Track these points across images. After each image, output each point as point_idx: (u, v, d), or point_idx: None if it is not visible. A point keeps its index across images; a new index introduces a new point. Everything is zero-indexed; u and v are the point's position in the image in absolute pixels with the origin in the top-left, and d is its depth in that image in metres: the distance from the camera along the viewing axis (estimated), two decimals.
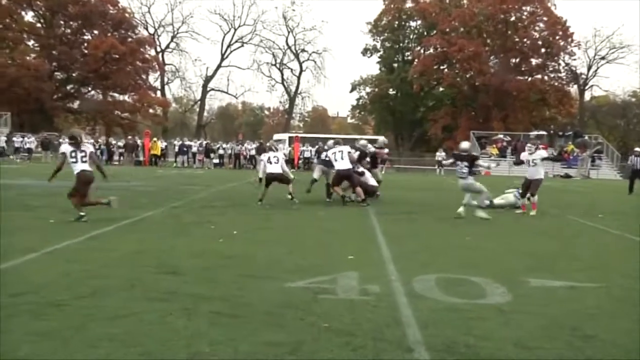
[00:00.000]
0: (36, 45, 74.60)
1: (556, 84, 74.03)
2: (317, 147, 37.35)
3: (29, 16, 74.43)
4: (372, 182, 19.95)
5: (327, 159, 18.69)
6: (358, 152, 19.16)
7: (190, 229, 12.30)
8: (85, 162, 12.78)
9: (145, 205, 16.67)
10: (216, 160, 49.23)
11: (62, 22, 74.64)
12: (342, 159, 17.96)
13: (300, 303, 6.63)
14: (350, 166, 17.97)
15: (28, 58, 71.50)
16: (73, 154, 12.75)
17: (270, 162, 17.53)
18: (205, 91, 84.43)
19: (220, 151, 50.28)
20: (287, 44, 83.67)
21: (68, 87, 77.33)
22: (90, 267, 8.30)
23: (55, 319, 5.91)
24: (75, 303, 6.46)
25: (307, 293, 7.08)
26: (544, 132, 56.14)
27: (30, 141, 51.50)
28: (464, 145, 16.13)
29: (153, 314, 6.12)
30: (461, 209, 15.46)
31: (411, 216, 16.03)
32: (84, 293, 6.87)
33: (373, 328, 5.80)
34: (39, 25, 74.69)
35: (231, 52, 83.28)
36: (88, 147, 13.24)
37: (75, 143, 12.90)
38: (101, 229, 11.84)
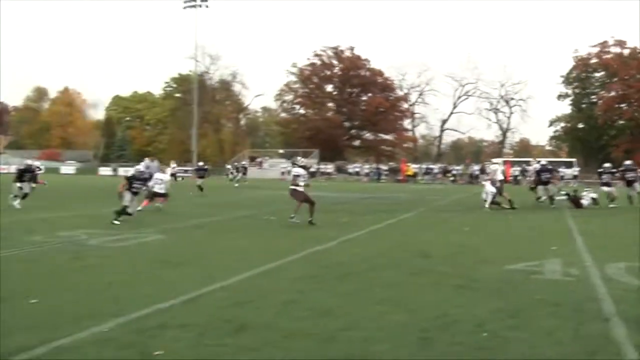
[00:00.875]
0: (333, 105, 78.69)
1: None
2: (521, 167, 34.94)
3: (329, 87, 79.03)
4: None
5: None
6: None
7: (434, 226, 12.16)
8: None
9: (402, 209, 16.79)
10: (452, 178, 48.12)
11: (348, 90, 77.96)
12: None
13: (517, 281, 6.31)
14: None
15: (328, 114, 75.67)
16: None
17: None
18: (442, 130, 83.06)
19: (454, 172, 49.05)
20: (500, 95, 79.81)
21: (352, 131, 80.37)
22: (371, 251, 8.55)
23: (353, 283, 6.17)
24: (365, 274, 6.67)
25: (521, 274, 6.72)
26: None
27: (330, 167, 54.17)
28: None
29: (413, 284, 6.17)
30: None
31: (601, 217, 14.47)
32: (369, 268, 7.09)
33: (574, 301, 5.37)
34: (335, 92, 78.87)
35: (460, 102, 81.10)
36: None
37: (305, 168, 12.53)
38: (375, 226, 12.13)
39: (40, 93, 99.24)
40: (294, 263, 7.45)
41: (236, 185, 32.73)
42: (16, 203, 14.81)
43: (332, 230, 11.18)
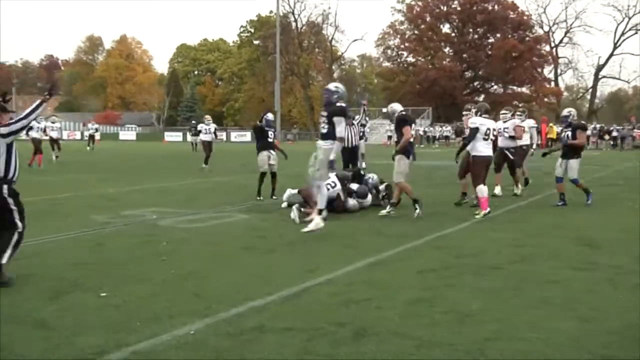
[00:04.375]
0: (450, 51, 77.00)
1: None
2: None
3: (445, 28, 77.27)
4: None
5: None
6: None
7: (596, 205, 11.47)
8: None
9: (548, 183, 16.07)
10: (611, 142, 45.68)
11: (470, 30, 75.90)
12: None
13: None
14: None
15: (444, 62, 74.13)
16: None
17: None
18: (596, 79, 78.99)
19: (614, 133, 46.49)
20: None
21: (475, 84, 78.50)
22: (514, 236, 8.21)
23: (498, 279, 5.91)
24: (509, 267, 6.40)
25: None
26: None
27: (447, 129, 53.18)
28: None
29: (579, 282, 5.81)
30: None
31: None
32: (515, 259, 6.80)
33: None
34: (452, 34, 77.05)
35: (624, 40, 76.45)
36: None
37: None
38: (513, 204, 11.67)
39: (94, 43, 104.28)
40: (415, 251, 7.29)
41: None
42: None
43: (456, 210, 10.87)
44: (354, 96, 67.85)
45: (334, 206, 10.05)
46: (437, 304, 5.03)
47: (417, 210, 9.73)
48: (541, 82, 75.57)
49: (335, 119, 8.12)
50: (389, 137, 46.29)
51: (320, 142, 8.27)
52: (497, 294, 5.34)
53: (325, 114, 8.29)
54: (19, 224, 5.75)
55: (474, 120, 10.39)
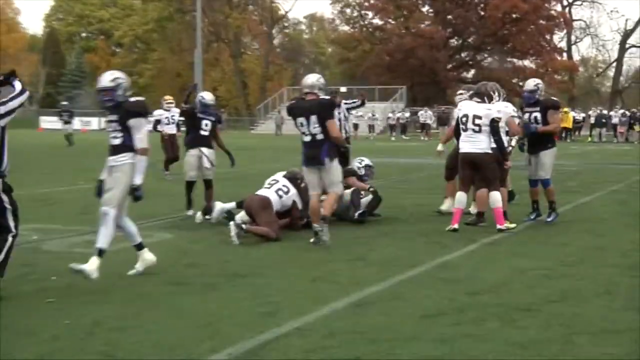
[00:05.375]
0: (431, 11, 77.81)
1: None
2: None
3: None
4: None
5: None
6: None
7: None
8: None
9: (576, 189, 16.18)
10: None
11: None
12: None
13: None
14: None
15: (422, 26, 74.77)
16: None
17: None
18: (622, 49, 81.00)
19: None
20: None
21: (463, 55, 79.51)
22: (546, 264, 8.11)
23: (530, 327, 5.73)
24: (546, 308, 6.25)
25: None
26: None
27: (428, 115, 53.59)
28: None
29: None
30: None
31: None
32: (552, 296, 6.67)
33: None
34: None
35: None
36: None
37: None
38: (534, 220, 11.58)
39: None
40: (412, 285, 7.13)
41: None
42: None
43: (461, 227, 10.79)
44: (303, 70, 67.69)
45: (292, 220, 9.86)
46: None
47: (315, 238, 9.27)
48: (550, 52, 76.91)
49: (131, 122, 7.34)
50: (355, 127, 45.71)
51: (112, 159, 7.42)
52: (536, 348, 5.14)
53: (114, 117, 7.43)
54: (12, 226, 6.38)
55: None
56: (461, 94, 12.10)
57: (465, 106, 10.40)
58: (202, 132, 11.75)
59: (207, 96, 12.02)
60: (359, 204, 11.09)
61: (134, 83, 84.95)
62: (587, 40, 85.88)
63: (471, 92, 10.98)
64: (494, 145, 10.28)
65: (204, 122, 11.73)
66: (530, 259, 8.43)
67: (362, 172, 11.72)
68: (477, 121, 10.24)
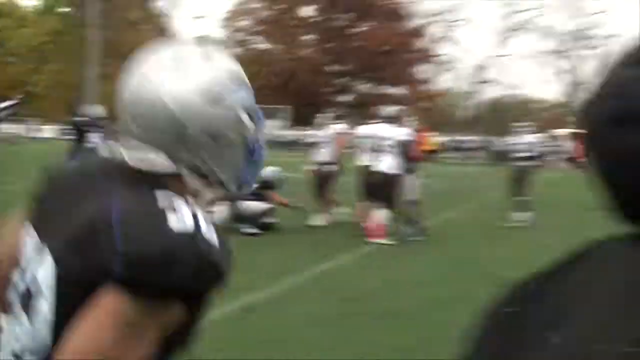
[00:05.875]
0: (312, 39, 78.20)
1: None
2: None
3: (307, 10, 78.43)
4: None
5: None
6: None
7: (501, 234, 11.95)
8: None
9: (441, 204, 16.51)
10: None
11: (337, 16, 77.43)
12: None
13: None
14: None
15: (304, 52, 75.34)
16: None
17: None
18: (476, 82, 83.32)
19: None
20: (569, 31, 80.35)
21: (341, 79, 79.99)
22: (402, 275, 8.36)
23: (408, 332, 5.89)
24: (424, 315, 6.42)
25: None
26: None
27: (309, 134, 53.62)
28: None
29: None
30: None
31: None
32: (416, 304, 6.87)
33: None
34: (316, 18, 78.28)
35: (508, 38, 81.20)
36: None
37: None
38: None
39: None
40: (296, 292, 7.17)
41: None
42: None
43: (336, 236, 10.91)
44: None
45: None
46: None
47: None
48: (416, 82, 78.17)
49: None
50: None
51: None
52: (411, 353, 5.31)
53: None
54: None
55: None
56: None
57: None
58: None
59: (96, 110, 11.48)
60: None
61: (29, 93, 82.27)
62: (449, 74, 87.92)
63: None
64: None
65: (93, 136, 11.04)
66: (401, 270, 8.57)
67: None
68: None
